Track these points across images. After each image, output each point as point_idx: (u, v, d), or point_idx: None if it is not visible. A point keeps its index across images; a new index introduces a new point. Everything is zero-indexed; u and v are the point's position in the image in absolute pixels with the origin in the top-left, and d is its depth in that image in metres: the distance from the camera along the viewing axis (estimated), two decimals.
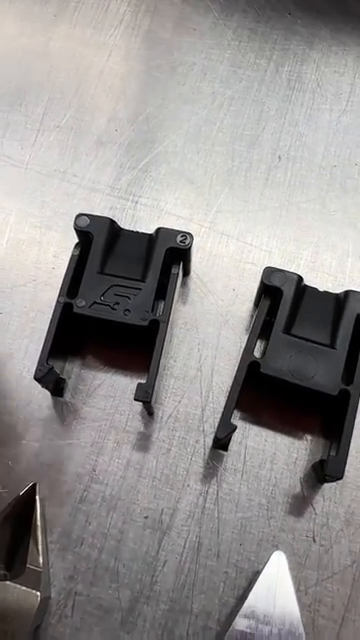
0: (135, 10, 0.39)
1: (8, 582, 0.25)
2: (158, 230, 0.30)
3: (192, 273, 0.33)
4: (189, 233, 0.30)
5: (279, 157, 0.35)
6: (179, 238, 0.29)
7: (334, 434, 0.28)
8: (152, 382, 0.27)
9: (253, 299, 0.32)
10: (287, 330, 0.28)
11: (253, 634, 0.24)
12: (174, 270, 0.29)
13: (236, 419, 0.30)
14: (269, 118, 0.36)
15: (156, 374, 0.27)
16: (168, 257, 0.29)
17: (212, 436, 0.29)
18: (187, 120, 0.36)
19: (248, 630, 0.24)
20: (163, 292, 0.29)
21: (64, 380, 0.30)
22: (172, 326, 0.31)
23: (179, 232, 0.30)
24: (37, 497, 0.27)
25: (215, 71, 0.37)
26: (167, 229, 0.30)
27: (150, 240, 0.30)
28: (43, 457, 0.29)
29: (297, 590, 0.27)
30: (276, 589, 0.26)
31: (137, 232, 0.31)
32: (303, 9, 0.39)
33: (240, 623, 0.25)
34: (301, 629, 0.25)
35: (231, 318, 0.32)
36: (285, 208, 0.34)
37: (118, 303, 0.29)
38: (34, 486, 0.28)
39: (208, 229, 0.34)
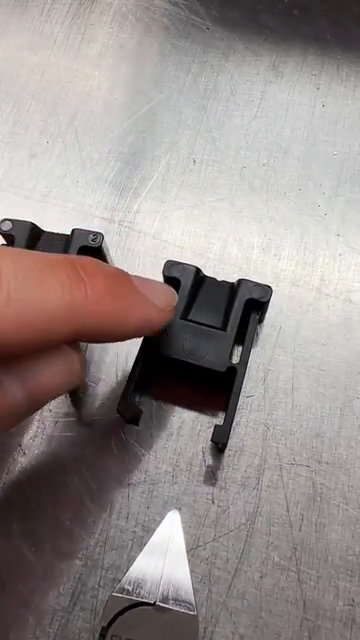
0: (67, 32, 0.43)
1: None
2: (73, 231, 0.33)
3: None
4: (100, 233, 0.33)
5: (194, 161, 0.39)
6: (91, 237, 0.33)
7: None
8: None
9: None
10: (184, 316, 0.32)
11: (144, 582, 0.28)
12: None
13: (148, 397, 0.33)
14: (186, 126, 0.40)
15: None
16: (81, 254, 0.33)
17: None
18: (112, 130, 0.40)
19: (140, 579, 0.28)
20: None
21: None
22: None
23: (91, 232, 0.33)
24: None
25: (138, 84, 0.41)
26: (81, 230, 0.33)
27: (67, 240, 0.34)
28: None
29: (196, 546, 0.31)
30: (168, 545, 0.29)
31: (56, 233, 0.34)
32: (221, 23, 0.42)
33: (132, 574, 0.28)
34: (189, 582, 0.28)
35: None
36: (197, 207, 0.37)
37: None
38: None
39: (127, 228, 0.37)
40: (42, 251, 0.34)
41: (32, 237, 0.34)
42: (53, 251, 0.34)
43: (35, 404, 0.24)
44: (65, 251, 0.33)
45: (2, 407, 0.23)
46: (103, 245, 0.33)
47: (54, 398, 0.26)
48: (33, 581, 0.31)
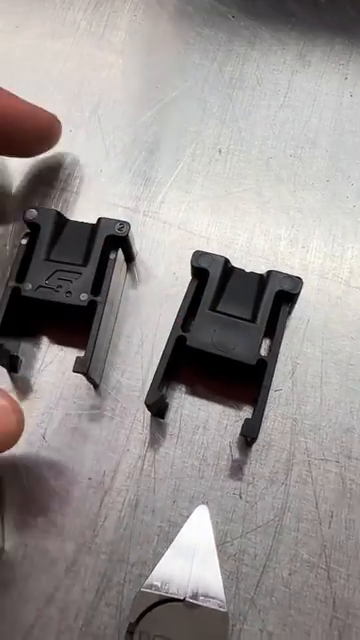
0: (90, 19, 0.42)
1: None
2: (99, 220, 0.33)
3: (137, 259, 0.36)
4: (126, 222, 0.33)
5: (219, 151, 0.38)
6: (117, 226, 0.32)
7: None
8: (89, 355, 0.30)
9: None
10: (213, 307, 0.31)
11: (173, 577, 0.27)
12: (112, 255, 0.32)
13: (174, 390, 0.33)
14: (211, 115, 0.39)
15: (93, 349, 0.30)
16: (107, 244, 0.32)
17: None
18: (136, 119, 0.39)
19: (168, 574, 0.27)
20: (103, 275, 0.32)
21: (18, 357, 0.33)
22: (116, 307, 0.34)
23: (117, 221, 0.33)
24: None
25: (162, 72, 0.40)
26: (107, 219, 0.33)
27: (92, 229, 0.33)
28: None
29: (224, 542, 0.30)
30: (197, 540, 0.28)
31: (81, 222, 0.34)
32: (246, 12, 0.42)
33: (160, 570, 0.28)
34: (219, 578, 0.28)
35: (171, 299, 0.34)
36: (223, 198, 0.37)
37: (61, 286, 0.32)
38: None
39: (152, 219, 0.37)
40: (69, 239, 0.33)
41: (57, 225, 0.33)
42: (80, 239, 0.33)
43: None
44: (91, 240, 0.33)
45: None
46: (129, 235, 0.33)
47: None
48: (57, 576, 0.30)
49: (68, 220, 0.34)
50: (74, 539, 0.31)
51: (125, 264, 0.35)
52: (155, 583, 0.27)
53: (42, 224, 0.33)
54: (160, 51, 0.41)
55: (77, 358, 0.30)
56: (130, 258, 0.35)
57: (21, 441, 0.32)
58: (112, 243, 0.33)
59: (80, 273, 0.32)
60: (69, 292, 0.31)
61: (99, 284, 0.32)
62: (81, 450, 0.32)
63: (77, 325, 0.33)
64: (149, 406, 0.30)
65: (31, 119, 0.33)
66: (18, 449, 0.32)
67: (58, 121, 0.35)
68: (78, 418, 0.33)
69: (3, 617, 0.29)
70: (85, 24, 0.42)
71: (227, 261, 0.32)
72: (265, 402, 0.29)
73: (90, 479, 0.31)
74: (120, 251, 0.33)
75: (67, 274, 0.32)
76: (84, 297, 0.31)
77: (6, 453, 0.31)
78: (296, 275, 0.32)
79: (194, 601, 0.27)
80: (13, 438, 0.27)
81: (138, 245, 0.36)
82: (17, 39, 0.42)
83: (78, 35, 0.42)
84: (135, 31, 0.41)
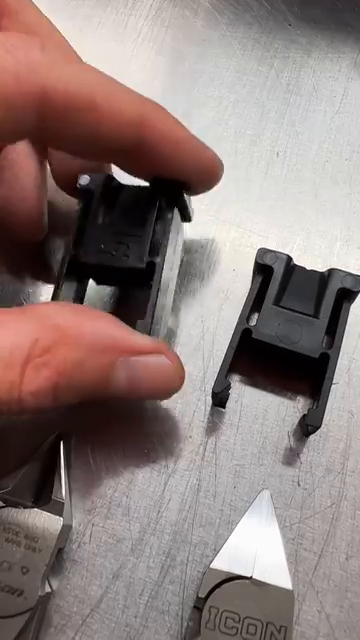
0: (152, 25, 0.44)
1: (36, 509, 0.30)
2: (154, 180, 0.31)
3: (197, 254, 0.37)
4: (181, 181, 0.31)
5: (277, 154, 0.39)
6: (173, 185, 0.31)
7: (317, 393, 0.32)
8: (149, 319, 0.30)
9: (250, 278, 0.36)
10: (277, 302, 0.33)
11: (240, 556, 0.29)
12: (168, 215, 0.31)
13: (234, 381, 0.34)
14: (269, 119, 0.40)
15: (153, 311, 0.30)
16: (164, 204, 0.31)
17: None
18: (196, 121, 0.41)
19: (236, 553, 0.29)
20: (161, 236, 0.31)
21: None
22: (178, 300, 0.36)
23: (171, 181, 0.31)
24: (61, 443, 0.32)
25: (221, 77, 0.42)
26: (161, 179, 0.31)
27: (146, 192, 0.32)
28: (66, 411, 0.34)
29: (282, 526, 0.31)
30: (261, 520, 0.30)
31: (136, 186, 0.33)
32: (302, 20, 0.43)
33: (228, 548, 0.29)
34: (283, 559, 0.29)
35: (231, 294, 0.36)
36: (281, 199, 0.38)
37: (117, 250, 0.31)
38: (59, 435, 0.32)
39: (213, 217, 0.38)
40: (123, 203, 0.32)
41: (110, 189, 0.32)
42: (134, 203, 0.32)
43: (130, 395, 0.29)
44: (147, 202, 0.31)
45: (106, 389, 0.28)
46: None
47: (145, 398, 0.31)
48: (123, 554, 0.32)
49: (122, 185, 0.33)
50: (139, 520, 0.32)
51: (182, 226, 0.34)
52: (224, 560, 0.28)
53: (95, 188, 0.32)
54: (219, 57, 0.42)
55: (138, 322, 0.30)
56: (187, 218, 0.34)
57: (87, 424, 0.33)
58: (168, 204, 0.32)
59: (136, 235, 0.31)
60: (126, 255, 0.31)
61: (157, 246, 0.31)
62: (144, 436, 0.33)
63: (132, 290, 0.35)
64: (215, 394, 0.32)
65: (193, 156, 0.31)
66: (85, 431, 0.33)
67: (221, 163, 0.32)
68: (141, 405, 0.34)
69: (73, 591, 0.31)
70: (147, 30, 0.44)
71: (290, 258, 0.33)
72: (328, 393, 0.31)
73: (154, 463, 0.33)
74: (176, 211, 0.32)
75: (123, 237, 0.31)
76: (142, 259, 0.30)
77: (74, 437, 0.33)
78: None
79: (261, 579, 0.28)
80: (174, 392, 0.30)
81: (198, 242, 0.37)
82: (80, 43, 0.43)
83: (139, 40, 0.43)
84: (194, 38, 0.43)
